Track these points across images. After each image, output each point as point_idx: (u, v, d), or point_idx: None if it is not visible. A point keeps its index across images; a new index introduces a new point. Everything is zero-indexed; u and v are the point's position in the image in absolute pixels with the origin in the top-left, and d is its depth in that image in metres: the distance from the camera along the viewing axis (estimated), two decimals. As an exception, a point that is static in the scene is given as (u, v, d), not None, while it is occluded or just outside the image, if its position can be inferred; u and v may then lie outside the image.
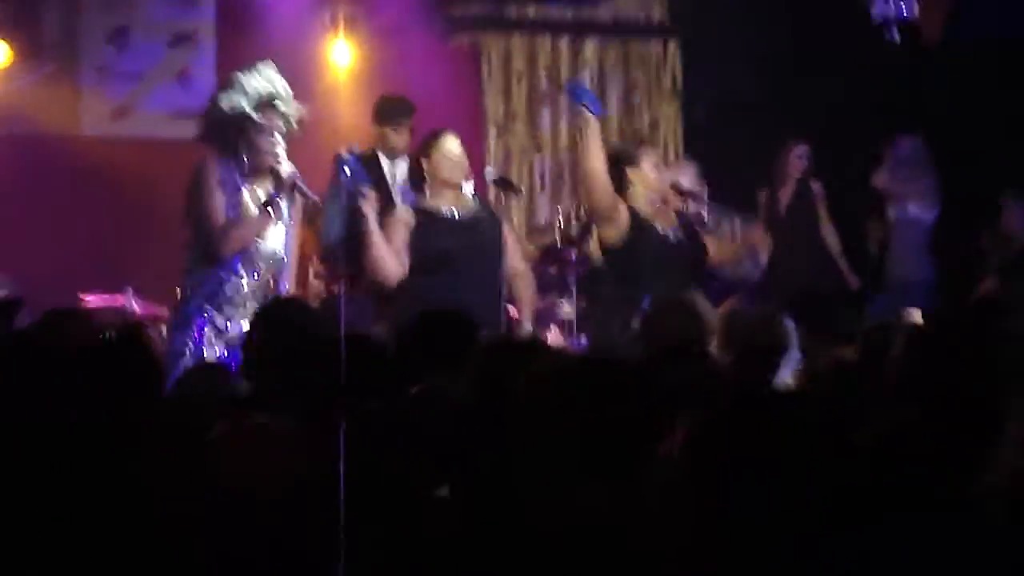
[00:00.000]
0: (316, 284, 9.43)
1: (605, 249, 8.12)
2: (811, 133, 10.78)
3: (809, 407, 3.00)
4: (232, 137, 7.37)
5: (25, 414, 4.61)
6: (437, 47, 11.70)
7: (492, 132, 12.03)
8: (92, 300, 9.08)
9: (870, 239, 10.79)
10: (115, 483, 3.96)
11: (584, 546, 3.12)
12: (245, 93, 7.36)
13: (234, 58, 10.95)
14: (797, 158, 10.57)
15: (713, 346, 6.16)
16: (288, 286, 7.64)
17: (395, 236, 7.80)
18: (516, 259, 8.11)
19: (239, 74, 7.49)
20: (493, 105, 12.10)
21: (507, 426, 3.67)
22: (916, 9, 6.53)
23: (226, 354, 7.27)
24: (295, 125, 7.50)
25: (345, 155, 7.95)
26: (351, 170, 7.82)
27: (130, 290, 9.11)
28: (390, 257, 7.76)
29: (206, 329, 7.29)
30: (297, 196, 7.49)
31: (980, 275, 9.81)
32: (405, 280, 7.78)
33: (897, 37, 6.57)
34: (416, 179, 8.04)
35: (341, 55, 11.34)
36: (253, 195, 7.41)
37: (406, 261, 7.79)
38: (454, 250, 7.75)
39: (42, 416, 4.60)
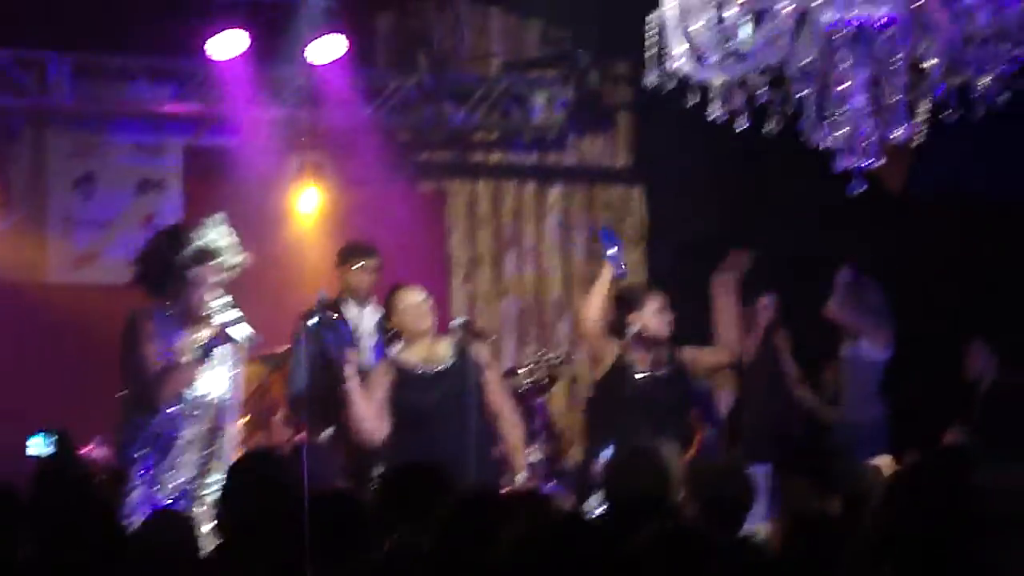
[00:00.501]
0: (283, 430, 9.42)
1: (592, 390, 8.30)
2: (776, 279, 10.85)
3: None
4: (170, 286, 7.42)
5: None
6: (403, 193, 11.78)
7: (457, 277, 12.09)
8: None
9: (824, 377, 10.86)
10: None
11: None
12: (186, 246, 7.42)
13: (201, 204, 11.05)
14: (763, 308, 10.62)
15: (679, 497, 6.17)
16: (233, 432, 7.62)
17: (376, 393, 7.84)
18: (498, 400, 8.13)
19: (183, 227, 7.59)
20: (458, 249, 12.17)
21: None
22: (879, 161, 6.60)
23: (168, 503, 7.24)
24: (237, 274, 7.55)
25: (318, 300, 8.02)
26: (321, 319, 7.87)
27: (98, 439, 9.06)
28: (372, 415, 7.80)
29: (143, 480, 7.28)
30: (230, 342, 7.49)
31: (943, 422, 9.85)
32: (395, 436, 7.83)
33: (860, 188, 6.63)
34: (387, 334, 8.10)
35: (308, 202, 11.41)
36: (190, 342, 7.43)
37: (388, 418, 7.83)
38: (426, 406, 7.79)
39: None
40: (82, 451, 8.86)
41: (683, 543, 4.86)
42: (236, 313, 7.44)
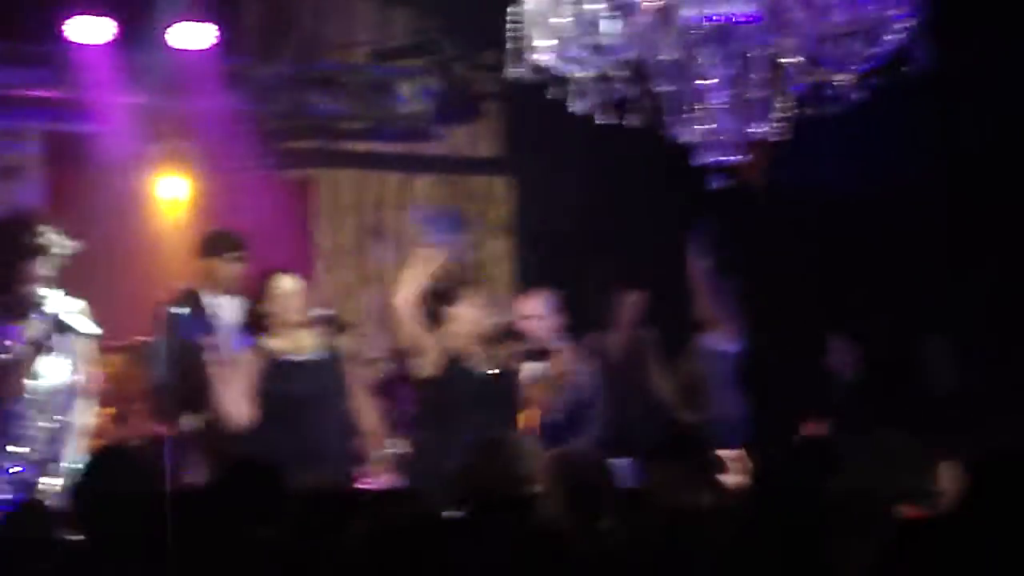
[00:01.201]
0: (141, 421, 9.31)
1: (417, 383, 8.22)
2: (639, 270, 10.91)
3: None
4: None
5: None
6: (268, 181, 11.71)
7: (321, 266, 12.03)
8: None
9: (678, 372, 10.94)
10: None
11: None
12: (9, 240, 7.36)
13: (63, 191, 10.93)
14: (630, 306, 10.67)
15: (538, 488, 6.18)
16: (85, 421, 7.55)
17: (239, 381, 7.78)
18: (359, 392, 8.12)
19: (4, 221, 7.52)
20: (323, 239, 12.12)
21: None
22: (740, 156, 6.68)
23: (11, 496, 7.18)
24: (67, 263, 7.48)
25: (178, 289, 7.97)
26: (178, 313, 7.81)
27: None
28: (237, 403, 7.74)
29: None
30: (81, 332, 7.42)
31: (801, 414, 9.94)
32: (260, 426, 7.77)
33: (721, 182, 6.71)
34: (254, 322, 8.02)
35: (171, 189, 11.29)
36: (23, 333, 7.36)
37: (251, 405, 7.77)
38: (292, 396, 7.75)
39: None
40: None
41: (542, 539, 4.89)
42: (73, 303, 7.38)
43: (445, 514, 5.94)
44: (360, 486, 7.55)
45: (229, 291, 9.13)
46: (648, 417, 10.30)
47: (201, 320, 8.65)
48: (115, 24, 10.39)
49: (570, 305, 9.45)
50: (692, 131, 6.57)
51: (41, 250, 7.38)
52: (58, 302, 7.38)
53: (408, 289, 8.04)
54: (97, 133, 10.95)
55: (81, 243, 7.55)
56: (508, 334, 8.75)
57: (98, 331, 7.52)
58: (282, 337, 7.94)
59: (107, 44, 10.48)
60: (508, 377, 8.30)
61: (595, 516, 6.09)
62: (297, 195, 12.07)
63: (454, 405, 8.04)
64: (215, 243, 9.29)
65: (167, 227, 11.21)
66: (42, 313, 7.36)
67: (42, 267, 7.39)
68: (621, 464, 7.26)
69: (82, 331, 7.44)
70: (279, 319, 7.93)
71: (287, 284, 7.97)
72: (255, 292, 8.07)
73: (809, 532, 4.36)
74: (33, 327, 7.37)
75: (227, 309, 9.12)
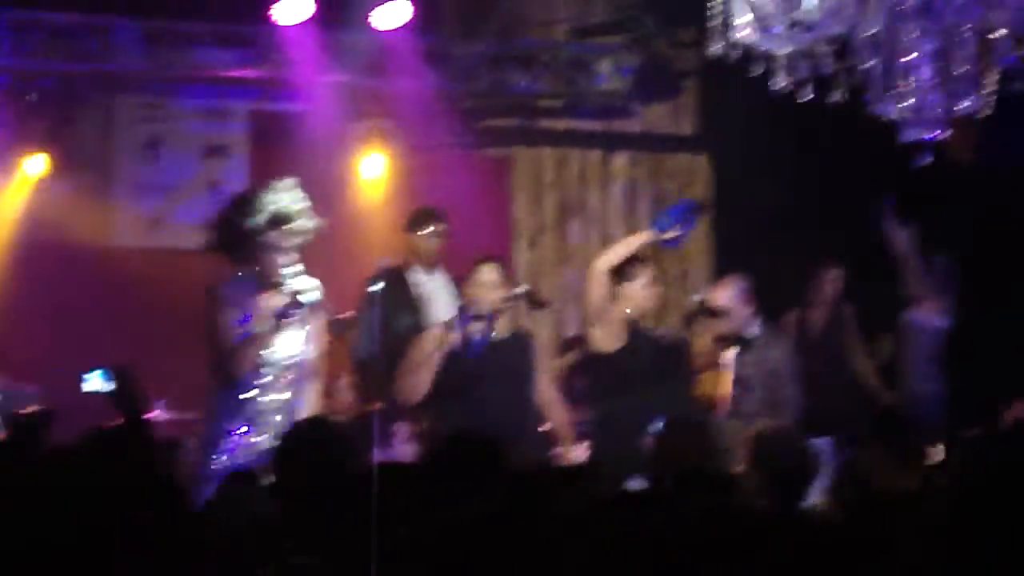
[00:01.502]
0: (345, 396, 9.44)
1: (594, 354, 8.23)
2: (840, 249, 10.79)
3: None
4: (243, 253, 7.47)
5: (64, 529, 4.65)
6: (468, 159, 11.78)
7: (521, 243, 12.08)
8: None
9: (880, 347, 10.79)
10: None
11: None
12: (259, 212, 7.45)
13: (266, 169, 11.08)
14: (830, 282, 10.57)
15: (736, 468, 6.15)
16: (312, 396, 7.67)
17: (428, 355, 7.85)
18: (545, 385, 8.15)
19: (255, 191, 7.59)
20: (523, 217, 12.16)
21: (535, 556, 3.68)
22: (946, 133, 6.55)
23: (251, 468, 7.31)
24: (311, 238, 7.57)
25: (381, 266, 8.06)
26: (382, 289, 7.90)
27: (163, 403, 9.12)
28: (415, 376, 7.82)
29: (234, 447, 7.35)
30: (316, 309, 7.54)
31: (1006, 399, 9.75)
32: (437, 401, 7.84)
33: (927, 160, 6.59)
34: (460, 302, 8.12)
35: (372, 168, 11.41)
36: (266, 307, 7.48)
37: (427, 381, 7.83)
38: (484, 374, 7.81)
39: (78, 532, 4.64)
40: (148, 416, 8.90)
41: (738, 519, 4.85)
42: (308, 280, 7.49)
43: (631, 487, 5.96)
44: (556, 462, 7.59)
45: (431, 266, 9.23)
46: (848, 395, 10.19)
47: (404, 296, 8.74)
48: (317, 4, 10.53)
49: (768, 282, 9.38)
50: (897, 108, 6.45)
51: (286, 222, 7.50)
52: (299, 278, 7.49)
53: (612, 256, 8.16)
54: (300, 112, 11.11)
55: (324, 222, 7.65)
56: (704, 312, 8.74)
57: (328, 306, 7.63)
58: (480, 320, 7.99)
59: (310, 24, 10.62)
60: (684, 348, 8.32)
61: (796, 497, 6.05)
62: (496, 173, 12.12)
63: (633, 377, 8.06)
64: (415, 219, 9.41)
65: (369, 205, 11.33)
66: (284, 287, 7.48)
67: (286, 241, 7.51)
68: (821, 443, 7.20)
69: (319, 308, 7.56)
70: (477, 306, 7.97)
71: (485, 275, 8.01)
72: (460, 276, 8.15)
73: (1019, 517, 4.27)
74: (275, 301, 7.49)
75: (432, 284, 9.22)
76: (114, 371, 6.48)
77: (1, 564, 3.57)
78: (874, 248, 10.63)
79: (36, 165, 10.71)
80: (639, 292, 8.29)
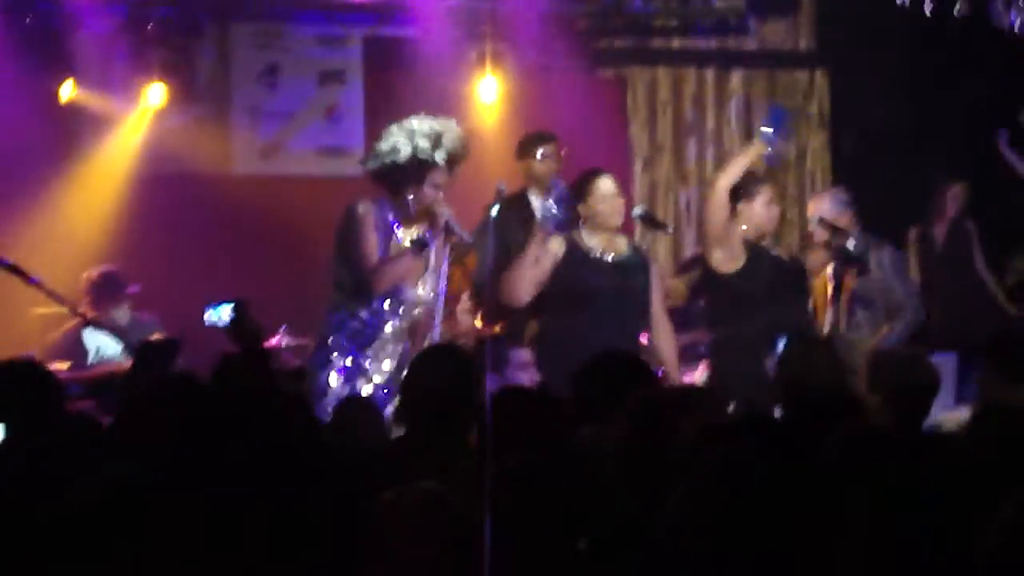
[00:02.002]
0: (465, 321, 9.47)
1: (714, 275, 8.19)
2: (961, 163, 10.66)
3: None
4: (403, 180, 7.50)
5: (194, 456, 4.73)
6: (583, 80, 11.73)
7: (638, 164, 12.03)
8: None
9: (1013, 266, 10.67)
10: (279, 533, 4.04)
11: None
12: (421, 136, 7.50)
13: (381, 95, 11.13)
14: (952, 198, 10.45)
15: (856, 387, 6.10)
16: (438, 326, 7.73)
17: (542, 261, 7.86)
18: (659, 308, 8.13)
19: (408, 120, 7.67)
20: (638, 137, 12.10)
21: (656, 482, 3.67)
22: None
23: (372, 392, 7.39)
24: (460, 161, 7.63)
25: (498, 190, 8.07)
26: (500, 213, 7.92)
27: (284, 329, 9.20)
28: (524, 280, 7.82)
29: (348, 368, 7.43)
30: (447, 236, 7.58)
31: None
32: (546, 317, 7.86)
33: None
34: (573, 217, 8.11)
35: (487, 91, 11.40)
36: (406, 236, 7.54)
37: (532, 290, 7.82)
38: (600, 290, 7.81)
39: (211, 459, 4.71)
40: (269, 342, 8.99)
41: (865, 438, 4.81)
42: (449, 211, 7.55)
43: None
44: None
45: (546, 189, 9.20)
46: (973, 310, 10.09)
47: (523, 220, 8.74)
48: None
49: (887, 198, 9.30)
50: (1020, 20, 6.35)
51: (458, 160, 7.57)
52: (445, 208, 7.55)
53: (730, 174, 8.10)
54: (415, 36, 11.11)
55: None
56: (818, 228, 8.68)
57: (466, 237, 7.67)
58: (596, 236, 7.99)
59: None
60: (803, 268, 8.27)
61: (918, 415, 6.01)
62: (611, 94, 12.06)
63: (754, 298, 8.02)
64: (526, 143, 9.39)
65: (485, 128, 11.32)
66: (431, 214, 7.54)
67: (442, 175, 7.57)
68: (944, 359, 7.13)
69: (463, 237, 7.62)
70: (598, 222, 7.96)
71: (604, 186, 7.99)
72: (576, 190, 8.13)
73: None
74: (418, 230, 7.54)
75: (545, 208, 9.21)
76: (233, 304, 6.58)
77: (132, 489, 3.64)
78: (1000, 165, 10.51)
79: (155, 95, 10.79)
80: (759, 211, 8.22)
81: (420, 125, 7.59)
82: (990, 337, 6.61)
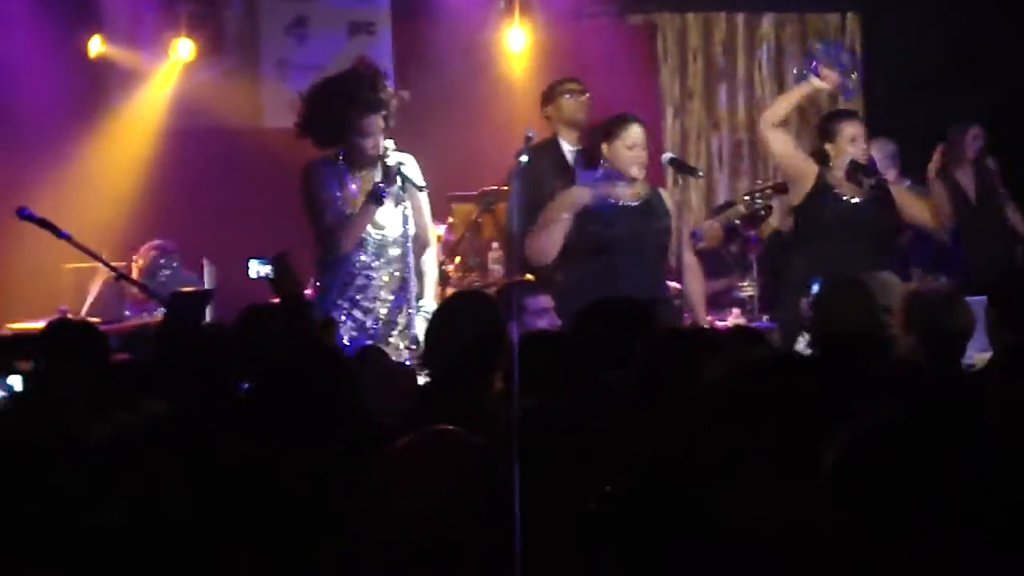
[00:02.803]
0: (496, 270, 9.46)
1: (792, 210, 8.15)
2: (991, 105, 10.57)
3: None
4: (338, 136, 7.53)
5: (222, 404, 4.74)
6: (612, 27, 11.68)
7: (668, 111, 11.97)
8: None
9: None
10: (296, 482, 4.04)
11: (760, 545, 3.08)
12: (341, 92, 7.52)
13: (409, 45, 11.10)
14: (973, 139, 10.36)
15: (893, 327, 6.07)
16: (432, 267, 7.86)
17: (562, 214, 7.81)
18: (686, 252, 8.09)
19: (344, 76, 7.71)
20: (669, 84, 12.04)
21: (675, 423, 3.66)
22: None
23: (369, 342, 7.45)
24: (393, 111, 7.66)
25: (527, 137, 8.05)
26: (530, 161, 7.90)
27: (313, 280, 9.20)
28: (552, 243, 7.78)
29: (346, 322, 7.48)
30: (402, 184, 7.58)
31: None
32: (569, 265, 7.82)
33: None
34: (592, 158, 8.03)
35: (516, 40, 11.34)
36: (363, 185, 7.56)
37: (560, 241, 7.80)
38: (620, 237, 7.75)
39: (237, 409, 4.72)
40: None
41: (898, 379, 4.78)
42: (405, 156, 7.55)
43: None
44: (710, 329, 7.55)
45: (576, 132, 9.07)
46: (999, 251, 10.02)
47: (553, 166, 8.69)
48: None
49: (919, 141, 9.23)
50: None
51: (381, 104, 7.57)
52: (395, 155, 7.57)
53: (779, 109, 8.06)
54: (443, -15, 11.07)
55: (405, 94, 7.75)
56: (855, 171, 8.60)
57: (425, 184, 7.67)
58: (619, 184, 7.92)
59: None
60: (882, 205, 8.16)
61: (953, 355, 5.97)
62: (641, 41, 11.99)
63: (823, 229, 7.97)
64: (552, 87, 9.29)
65: (514, 77, 11.28)
66: (382, 165, 7.56)
67: (382, 120, 7.57)
68: (977, 301, 7.08)
69: (417, 183, 7.61)
70: (617, 166, 7.90)
71: (633, 133, 7.92)
72: (604, 130, 8.05)
73: None
74: (373, 178, 7.57)
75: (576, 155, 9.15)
76: (273, 258, 6.62)
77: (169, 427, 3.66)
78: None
79: (183, 49, 10.78)
80: (845, 149, 8.13)
81: (346, 81, 7.63)
82: (993, 283, 6.59)
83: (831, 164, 8.08)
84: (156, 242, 9.72)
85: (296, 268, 6.67)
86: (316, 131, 7.69)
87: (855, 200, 8.08)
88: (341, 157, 7.67)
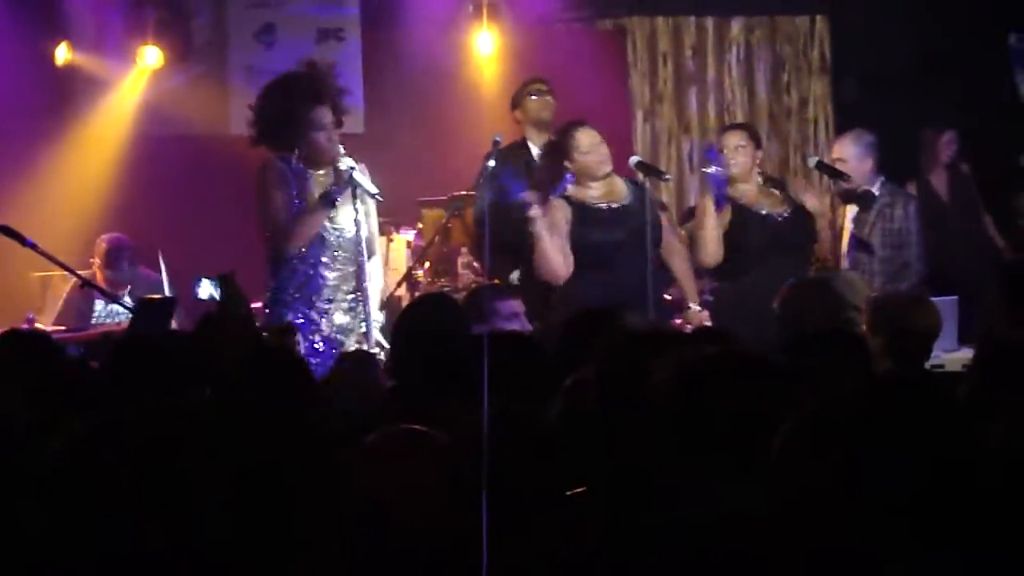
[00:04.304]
0: (465, 275, 9.45)
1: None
2: (960, 107, 10.59)
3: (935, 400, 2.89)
4: (291, 136, 7.50)
5: (182, 410, 4.70)
6: (581, 32, 11.67)
7: (639, 115, 11.96)
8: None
9: (1017, 214, 10.63)
10: (263, 485, 4.01)
11: (724, 540, 3.07)
12: (294, 93, 7.52)
13: (378, 51, 11.08)
14: (947, 143, 10.38)
15: (858, 324, 6.08)
16: (378, 274, 7.85)
17: (557, 230, 7.81)
18: (671, 237, 8.11)
19: (287, 75, 7.77)
20: (639, 88, 12.03)
21: (637, 421, 3.65)
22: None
23: (322, 347, 7.41)
24: (343, 105, 7.73)
25: (494, 141, 8.04)
26: (496, 162, 7.89)
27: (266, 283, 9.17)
28: (556, 255, 7.79)
29: (302, 324, 7.47)
30: (353, 189, 7.57)
31: None
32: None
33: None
34: (557, 171, 8.03)
35: (485, 45, 11.33)
36: (318, 185, 7.56)
37: (571, 255, 7.81)
38: (605, 243, 7.77)
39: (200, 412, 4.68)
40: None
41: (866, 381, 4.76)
42: (351, 160, 7.58)
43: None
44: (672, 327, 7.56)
45: (544, 133, 9.05)
46: (972, 254, 10.04)
47: (521, 170, 8.68)
48: None
49: (889, 144, 9.24)
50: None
51: (326, 94, 7.58)
52: (346, 159, 7.56)
53: (713, 235, 8.03)
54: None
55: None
56: (824, 170, 8.62)
57: (378, 192, 7.66)
58: (589, 187, 7.94)
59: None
60: (801, 218, 8.18)
61: (919, 357, 5.98)
62: (610, 45, 11.98)
63: (748, 252, 7.99)
64: (520, 88, 9.30)
65: (483, 82, 11.27)
66: (334, 169, 7.55)
67: (331, 112, 7.58)
68: (945, 302, 7.10)
69: (369, 190, 7.60)
70: (589, 174, 7.92)
71: (582, 138, 7.93)
72: (558, 148, 8.05)
73: None
74: (326, 180, 7.56)
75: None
76: (219, 278, 6.61)
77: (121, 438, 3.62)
78: (1002, 108, 10.46)
79: (150, 56, 10.74)
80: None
81: (299, 83, 7.62)
82: (997, 274, 6.60)
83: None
84: (104, 236, 9.63)
85: (242, 287, 6.68)
86: (269, 134, 7.65)
87: (776, 214, 8.14)
88: (297, 155, 7.61)
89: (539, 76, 9.27)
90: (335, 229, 7.59)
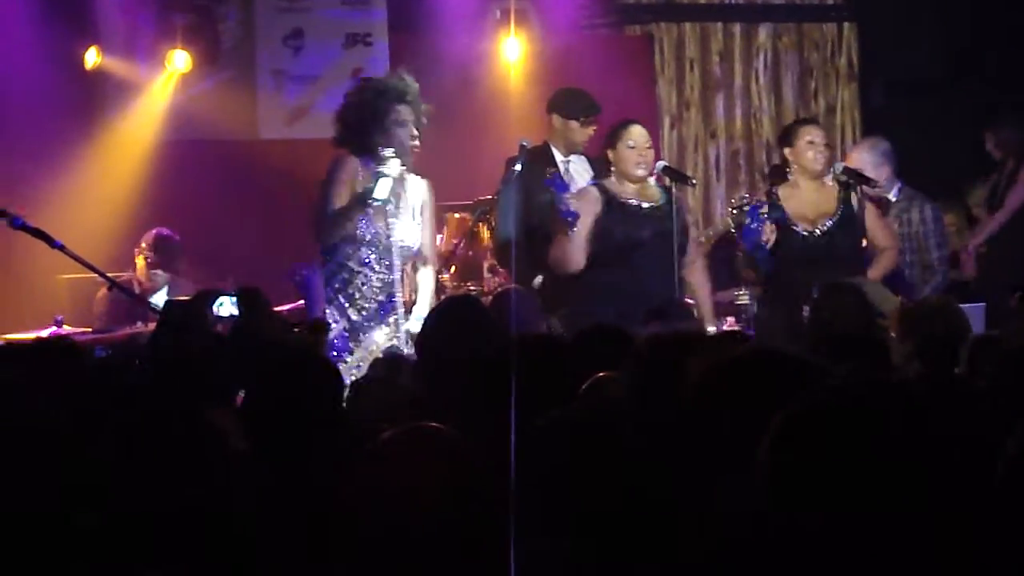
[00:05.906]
0: (491, 279, 9.44)
1: None
2: (989, 111, 10.56)
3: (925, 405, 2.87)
4: (376, 136, 7.52)
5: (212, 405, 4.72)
6: (609, 38, 11.68)
7: (666, 121, 11.97)
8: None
9: None
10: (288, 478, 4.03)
11: (748, 543, 3.06)
12: (381, 92, 7.55)
13: (407, 56, 11.08)
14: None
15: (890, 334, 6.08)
16: (429, 283, 7.86)
17: (583, 219, 7.87)
18: (692, 250, 8.14)
19: (371, 78, 7.98)
20: (666, 94, 12.04)
21: (666, 423, 3.65)
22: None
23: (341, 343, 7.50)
24: (423, 122, 7.77)
25: (521, 146, 8.08)
26: (525, 169, 7.93)
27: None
28: (577, 253, 7.85)
29: (340, 321, 7.50)
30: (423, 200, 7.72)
31: None
32: (590, 270, 7.88)
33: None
34: (601, 167, 8.23)
35: (512, 51, 11.34)
36: (358, 183, 7.64)
37: (585, 249, 7.85)
38: (635, 240, 7.82)
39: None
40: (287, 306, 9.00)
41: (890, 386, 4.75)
42: (413, 178, 7.61)
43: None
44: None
45: (578, 151, 9.06)
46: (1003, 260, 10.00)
47: (548, 176, 8.68)
48: None
49: (917, 149, 9.24)
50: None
51: (408, 94, 7.68)
52: (392, 163, 7.59)
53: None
54: (439, -3, 11.08)
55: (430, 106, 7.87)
56: (846, 176, 8.61)
57: (389, 204, 7.70)
58: (626, 185, 8.01)
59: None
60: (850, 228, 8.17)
61: (948, 363, 5.96)
62: (637, 52, 11.99)
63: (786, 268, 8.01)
64: (572, 104, 9.05)
65: (510, 87, 11.28)
66: (376, 174, 7.58)
67: (411, 115, 7.64)
68: (974, 308, 7.09)
69: (426, 199, 7.66)
70: (623, 169, 7.99)
71: (636, 135, 8.04)
72: (608, 137, 8.15)
73: None
74: (386, 182, 7.58)
75: (571, 165, 9.13)
76: (238, 294, 6.63)
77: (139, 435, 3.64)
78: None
79: (179, 61, 10.77)
80: (803, 152, 8.18)
81: (384, 82, 7.76)
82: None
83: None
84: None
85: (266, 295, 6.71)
86: (353, 129, 7.73)
87: (816, 229, 8.12)
88: (380, 149, 7.63)
89: (593, 101, 9.10)
90: (388, 230, 7.61)
